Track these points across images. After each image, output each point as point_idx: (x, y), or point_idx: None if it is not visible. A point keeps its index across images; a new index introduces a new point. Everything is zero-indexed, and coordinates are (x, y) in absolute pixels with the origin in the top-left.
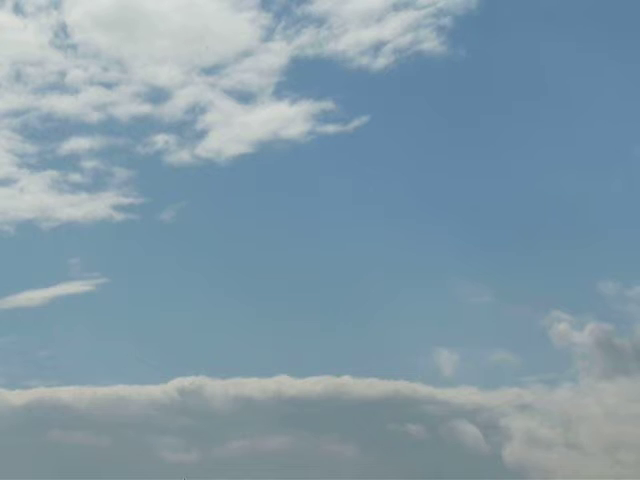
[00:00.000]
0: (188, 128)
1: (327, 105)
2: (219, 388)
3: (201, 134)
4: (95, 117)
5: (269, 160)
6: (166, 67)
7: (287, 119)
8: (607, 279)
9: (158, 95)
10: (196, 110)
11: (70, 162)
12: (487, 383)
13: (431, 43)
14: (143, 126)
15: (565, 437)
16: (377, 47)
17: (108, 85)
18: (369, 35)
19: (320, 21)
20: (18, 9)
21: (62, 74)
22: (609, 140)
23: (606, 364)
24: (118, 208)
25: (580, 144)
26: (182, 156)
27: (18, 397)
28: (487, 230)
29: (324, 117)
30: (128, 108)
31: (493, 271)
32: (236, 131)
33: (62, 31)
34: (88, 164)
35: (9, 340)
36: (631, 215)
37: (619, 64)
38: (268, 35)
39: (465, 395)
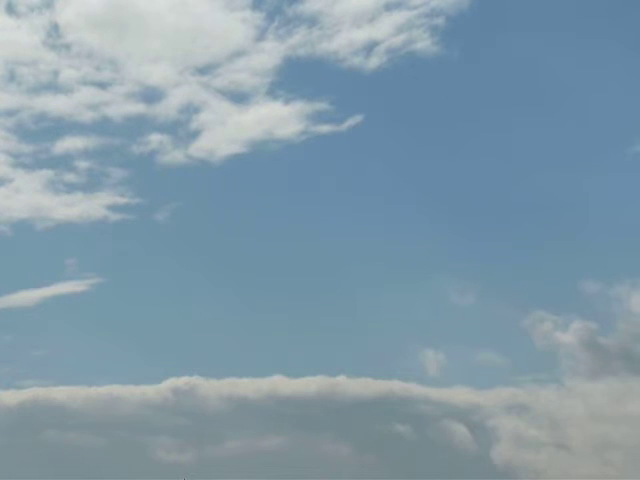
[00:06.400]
0: (182, 128)
1: (321, 105)
2: (213, 388)
3: (195, 134)
4: (89, 117)
5: (263, 160)
6: (159, 67)
7: (281, 119)
8: (589, 279)
9: (152, 95)
10: (190, 110)
11: (64, 162)
12: (477, 383)
13: (424, 43)
14: (137, 126)
15: (553, 437)
16: (370, 47)
17: (101, 85)
18: (362, 35)
19: (312, 21)
20: (11, 9)
21: (55, 74)
22: (598, 140)
23: (591, 363)
24: (113, 208)
25: (568, 144)
26: (176, 156)
27: (12, 397)
28: (473, 231)
29: (318, 117)
30: (122, 108)
31: (479, 272)
32: (230, 131)
33: (54, 31)
34: (83, 164)
35: (4, 340)
36: (613, 215)
37: (613, 63)
38: (261, 35)
39: (458, 395)
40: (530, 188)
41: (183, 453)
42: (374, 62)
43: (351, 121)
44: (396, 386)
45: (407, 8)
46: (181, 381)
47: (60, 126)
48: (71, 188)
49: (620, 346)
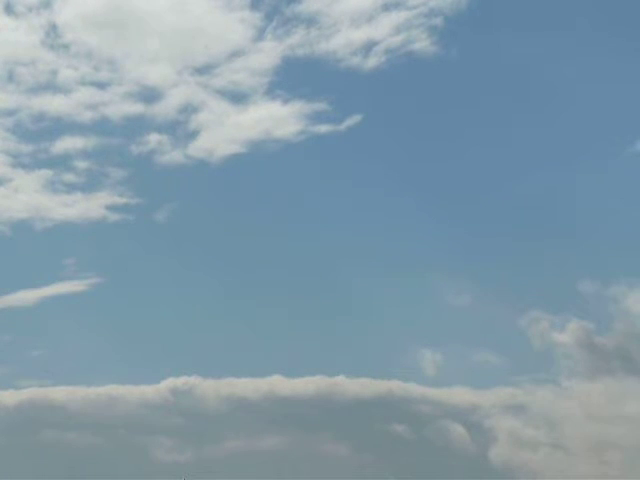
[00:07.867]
0: (181, 128)
1: (319, 105)
2: (212, 388)
3: (193, 134)
4: (87, 117)
5: (262, 160)
6: (158, 67)
7: (279, 119)
8: (587, 278)
9: (150, 95)
10: (188, 110)
11: (63, 162)
12: (475, 383)
13: (422, 43)
14: (136, 126)
15: (550, 437)
16: (368, 47)
17: (100, 85)
18: (360, 35)
19: (310, 21)
20: (9, 9)
21: (54, 74)
22: (597, 140)
23: (588, 363)
24: (112, 208)
25: (566, 143)
26: (175, 156)
27: (11, 397)
28: (471, 230)
29: (317, 117)
30: (120, 108)
31: (476, 271)
32: (228, 131)
33: (53, 31)
34: (82, 164)
35: (3, 340)
36: (611, 215)
37: (611, 62)
38: (259, 35)
39: (456, 395)
40: (528, 188)
41: (182, 453)
42: (373, 62)
43: (350, 121)
44: (395, 386)
45: (405, 8)
46: (180, 381)
47: (59, 126)
48: (70, 188)
49: (617, 346)
